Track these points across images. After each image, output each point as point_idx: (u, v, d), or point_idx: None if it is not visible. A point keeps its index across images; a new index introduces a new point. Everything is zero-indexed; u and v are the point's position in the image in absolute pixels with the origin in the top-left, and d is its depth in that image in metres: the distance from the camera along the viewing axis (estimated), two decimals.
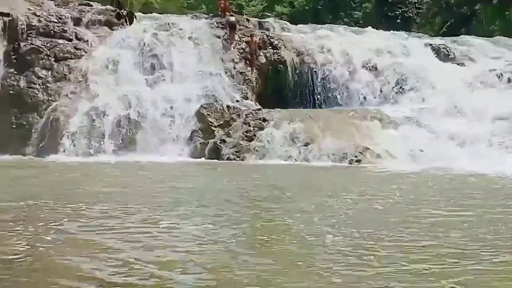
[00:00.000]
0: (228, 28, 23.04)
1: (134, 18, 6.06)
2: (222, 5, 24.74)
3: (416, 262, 5.65)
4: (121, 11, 5.84)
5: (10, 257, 5.80)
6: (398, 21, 39.33)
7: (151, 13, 29.93)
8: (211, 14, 26.43)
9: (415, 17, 40.10)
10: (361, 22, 40.41)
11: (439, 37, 27.34)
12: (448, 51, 23.74)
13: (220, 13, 24.61)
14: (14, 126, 19.63)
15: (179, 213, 8.24)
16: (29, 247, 6.19)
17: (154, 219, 7.74)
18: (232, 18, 23.35)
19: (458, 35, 28.04)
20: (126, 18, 5.93)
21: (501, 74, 21.70)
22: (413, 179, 12.92)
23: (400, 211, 8.57)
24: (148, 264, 5.54)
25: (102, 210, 8.49)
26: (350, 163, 16.35)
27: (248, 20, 25.04)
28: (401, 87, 21.96)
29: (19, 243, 6.35)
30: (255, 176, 13.53)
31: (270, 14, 46.75)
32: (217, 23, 23.97)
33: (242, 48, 22.84)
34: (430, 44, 24.18)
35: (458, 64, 23.07)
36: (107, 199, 9.54)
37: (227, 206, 8.87)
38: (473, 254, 6.00)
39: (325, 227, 7.24)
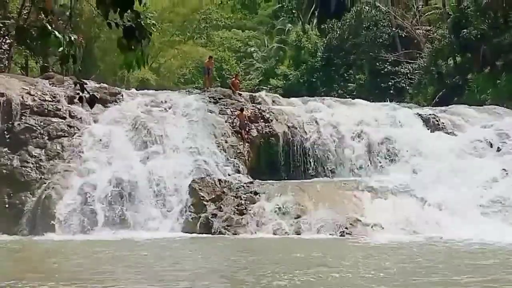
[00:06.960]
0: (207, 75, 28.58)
1: (96, 100, 6.20)
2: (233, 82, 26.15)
3: None
4: (83, 94, 5.98)
5: None
6: (391, 91, 39.84)
7: (148, 89, 30.54)
8: (204, 89, 26.89)
9: (407, 87, 40.59)
10: (354, 93, 40.95)
11: (429, 107, 27.65)
12: (437, 121, 23.92)
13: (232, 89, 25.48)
14: (6, 206, 19.59)
15: None
16: None
17: None
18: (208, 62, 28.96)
19: (451, 104, 28.36)
20: (88, 101, 6.07)
21: (491, 142, 21.79)
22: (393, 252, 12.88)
23: None
24: None
25: None
26: (341, 235, 16.31)
27: (240, 94, 25.46)
28: (390, 157, 22.13)
29: None
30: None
31: (265, 87, 47.52)
32: (209, 97, 24.39)
33: (234, 122, 23.14)
34: (420, 114, 24.40)
35: (447, 134, 23.23)
36: None
37: None
38: None
39: None
